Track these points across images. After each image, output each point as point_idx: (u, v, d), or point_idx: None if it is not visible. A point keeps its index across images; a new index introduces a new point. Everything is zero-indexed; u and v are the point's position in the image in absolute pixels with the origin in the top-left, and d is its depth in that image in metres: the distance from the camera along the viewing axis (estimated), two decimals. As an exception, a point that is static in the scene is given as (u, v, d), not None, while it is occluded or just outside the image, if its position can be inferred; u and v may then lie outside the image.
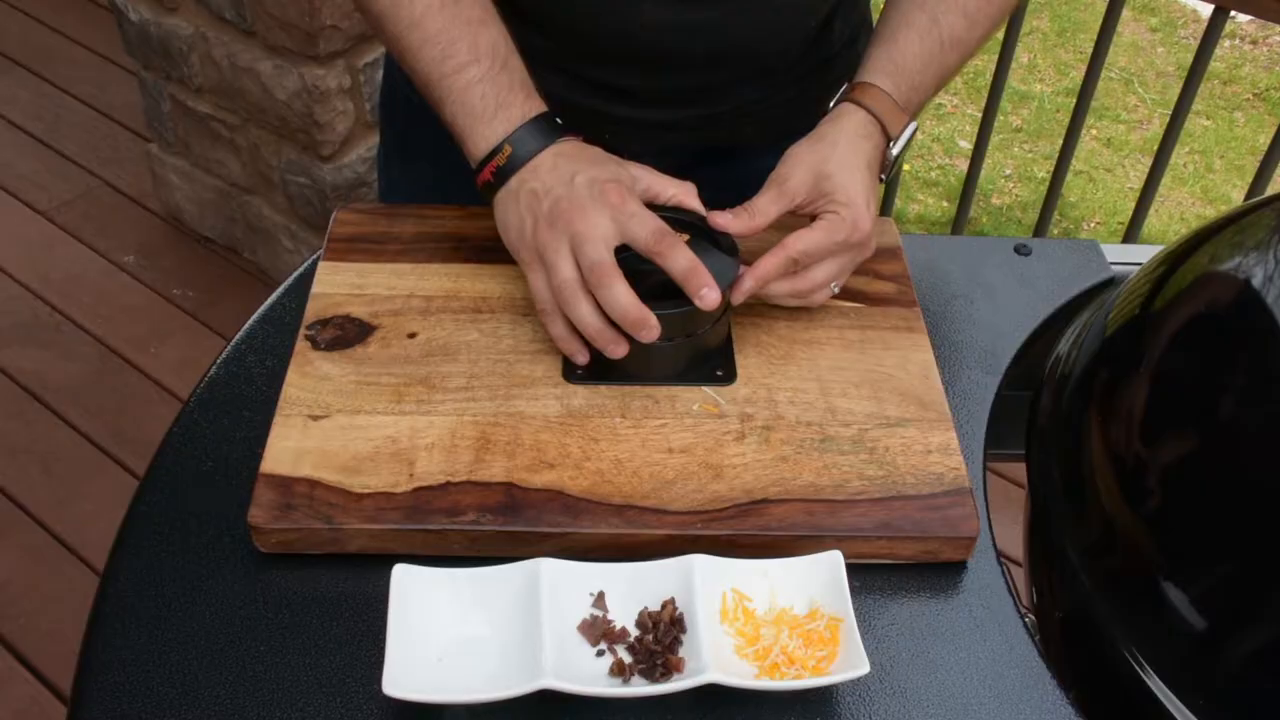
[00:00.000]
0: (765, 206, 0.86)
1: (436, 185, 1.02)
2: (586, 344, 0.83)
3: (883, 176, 0.91)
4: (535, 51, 0.93)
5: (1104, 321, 0.86)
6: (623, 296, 0.78)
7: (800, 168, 0.86)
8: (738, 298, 0.85)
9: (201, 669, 0.70)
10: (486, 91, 0.84)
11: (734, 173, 1.03)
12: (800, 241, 0.84)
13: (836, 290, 0.89)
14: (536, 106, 0.85)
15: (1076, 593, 0.77)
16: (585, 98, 0.97)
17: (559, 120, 0.86)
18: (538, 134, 0.84)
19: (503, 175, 0.83)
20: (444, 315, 0.89)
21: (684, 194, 0.86)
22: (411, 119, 1.07)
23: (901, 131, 0.90)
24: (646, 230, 0.80)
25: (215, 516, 0.78)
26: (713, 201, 0.87)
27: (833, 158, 0.86)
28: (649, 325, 0.79)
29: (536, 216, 0.81)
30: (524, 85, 0.86)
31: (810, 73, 1.02)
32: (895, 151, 0.90)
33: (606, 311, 0.80)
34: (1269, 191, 1.80)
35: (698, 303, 0.80)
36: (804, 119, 1.05)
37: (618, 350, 0.81)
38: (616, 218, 0.80)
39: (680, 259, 0.79)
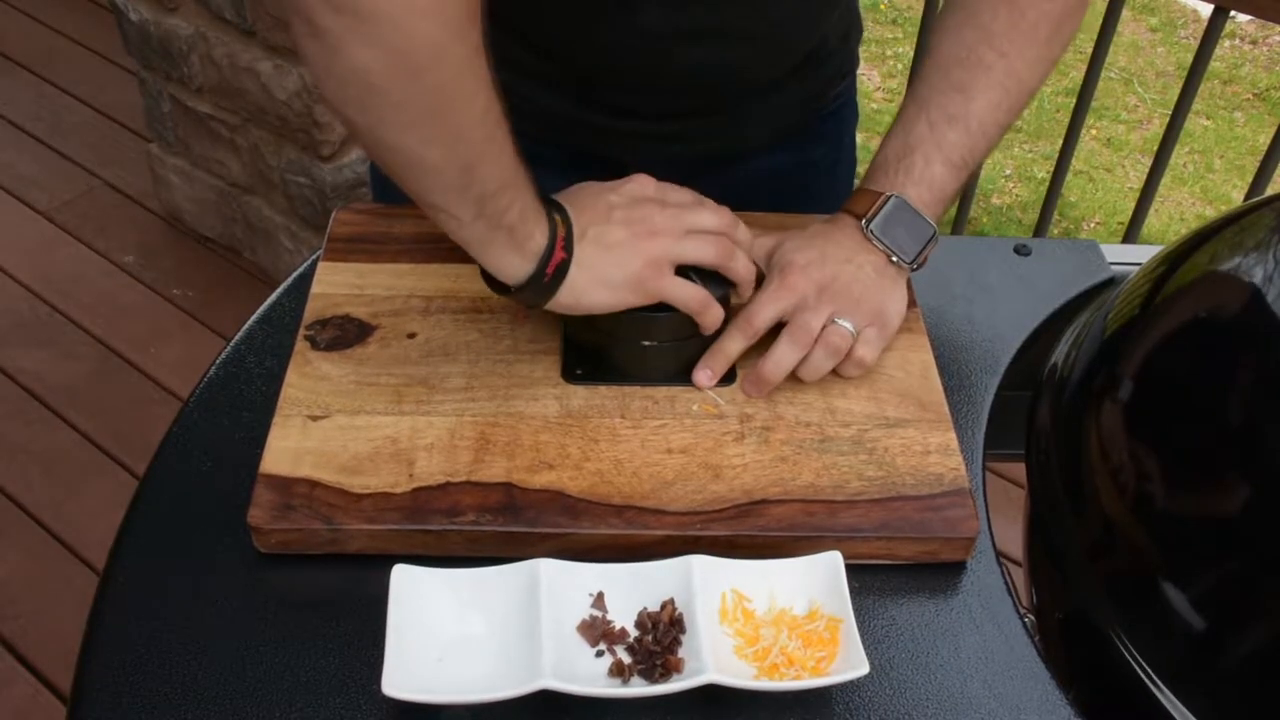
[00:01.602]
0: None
1: None
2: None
3: (904, 262, 0.87)
4: (543, 73, 0.94)
5: (1104, 322, 0.86)
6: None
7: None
8: (751, 390, 0.85)
9: (201, 669, 0.70)
10: (531, 176, 0.78)
11: (734, 176, 1.04)
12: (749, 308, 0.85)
13: (864, 356, 0.85)
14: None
15: (1076, 593, 0.77)
16: (593, 115, 0.98)
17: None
18: (547, 195, 0.81)
19: (570, 245, 0.79)
20: (443, 315, 0.89)
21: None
22: None
23: (873, 208, 0.87)
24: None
25: (215, 516, 0.78)
26: (729, 201, 0.87)
27: (792, 238, 0.88)
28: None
29: (630, 236, 0.80)
30: None
31: (806, 75, 1.03)
32: (869, 226, 0.87)
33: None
34: (1269, 191, 1.80)
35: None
36: (800, 115, 1.05)
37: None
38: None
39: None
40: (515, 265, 0.77)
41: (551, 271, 0.78)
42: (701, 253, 0.81)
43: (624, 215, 0.81)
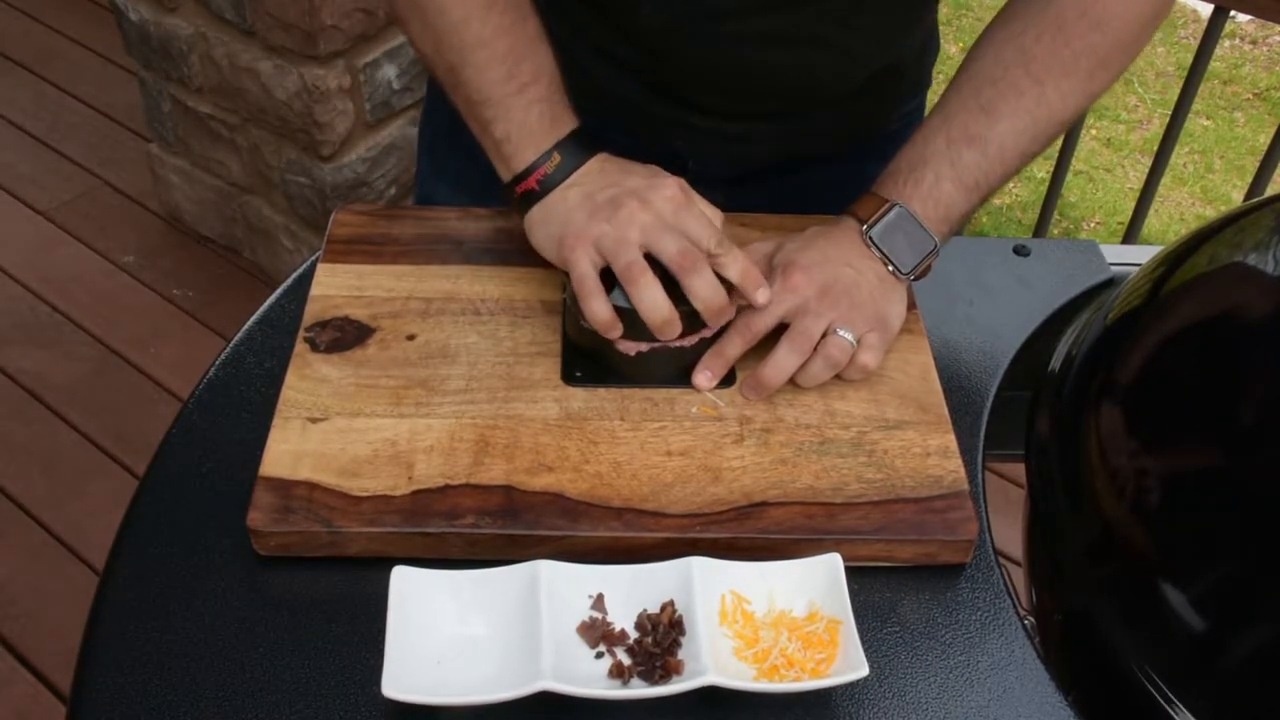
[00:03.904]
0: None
1: (483, 179, 1.01)
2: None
3: (900, 272, 0.87)
4: (623, 61, 0.94)
5: (1103, 322, 0.86)
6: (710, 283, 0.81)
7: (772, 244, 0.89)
8: (750, 394, 0.84)
9: (201, 669, 0.70)
10: (544, 110, 0.84)
11: (790, 183, 1.03)
12: (750, 311, 0.85)
13: (867, 362, 0.85)
14: (576, 123, 0.86)
15: (1076, 594, 0.77)
16: (665, 109, 0.98)
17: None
18: (581, 147, 0.85)
19: (548, 184, 0.84)
20: (443, 317, 0.89)
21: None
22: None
23: (876, 214, 0.87)
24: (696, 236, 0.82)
25: (215, 518, 0.78)
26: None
27: (793, 240, 0.88)
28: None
29: (592, 209, 0.82)
30: (570, 106, 0.87)
31: (879, 90, 1.03)
32: (869, 232, 0.87)
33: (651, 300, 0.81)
34: (1269, 191, 1.81)
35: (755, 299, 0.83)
36: (873, 125, 1.03)
37: (674, 331, 0.82)
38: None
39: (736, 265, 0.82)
40: (499, 168, 0.87)
41: (519, 192, 0.85)
42: (617, 259, 0.81)
43: (612, 194, 0.82)
